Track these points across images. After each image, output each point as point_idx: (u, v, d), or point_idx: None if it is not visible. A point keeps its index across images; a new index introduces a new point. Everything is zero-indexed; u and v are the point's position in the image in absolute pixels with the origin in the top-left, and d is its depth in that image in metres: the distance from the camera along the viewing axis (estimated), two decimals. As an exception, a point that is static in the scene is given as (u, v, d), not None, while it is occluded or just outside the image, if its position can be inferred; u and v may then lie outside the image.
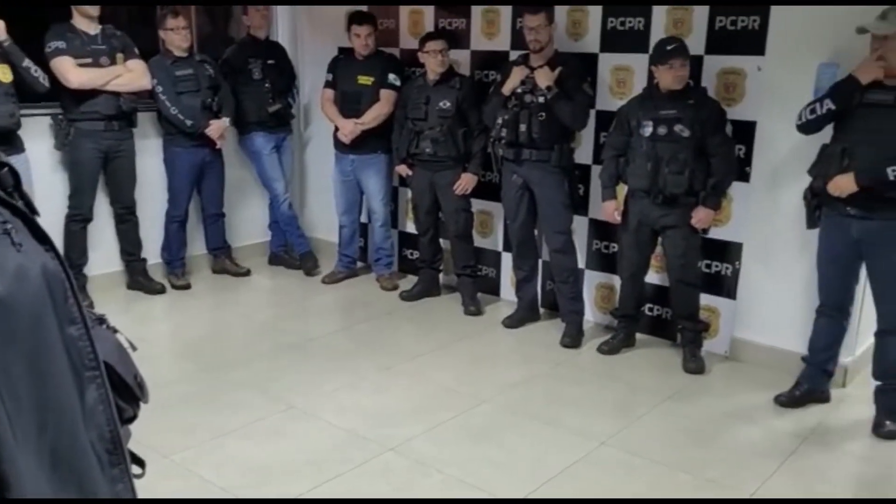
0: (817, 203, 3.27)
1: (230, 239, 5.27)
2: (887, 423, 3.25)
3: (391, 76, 4.73)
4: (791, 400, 3.48)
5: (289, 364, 3.88)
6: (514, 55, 4.35)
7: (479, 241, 4.81)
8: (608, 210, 3.90)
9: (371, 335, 4.31)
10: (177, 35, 4.62)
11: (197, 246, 5.18)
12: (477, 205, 4.70)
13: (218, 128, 4.79)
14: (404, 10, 4.98)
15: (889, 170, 2.97)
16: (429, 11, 4.85)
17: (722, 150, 3.60)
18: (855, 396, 3.56)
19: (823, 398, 3.50)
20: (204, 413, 3.30)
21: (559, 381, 3.76)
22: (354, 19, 4.74)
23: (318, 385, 3.63)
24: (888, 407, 3.27)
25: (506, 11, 4.50)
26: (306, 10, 5.51)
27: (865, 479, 3.06)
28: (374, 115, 4.74)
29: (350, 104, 4.79)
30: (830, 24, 3.43)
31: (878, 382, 3.31)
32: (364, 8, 4.91)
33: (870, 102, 3.09)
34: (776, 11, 3.58)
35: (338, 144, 4.91)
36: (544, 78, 3.91)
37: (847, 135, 3.14)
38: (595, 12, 4.15)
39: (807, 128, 3.28)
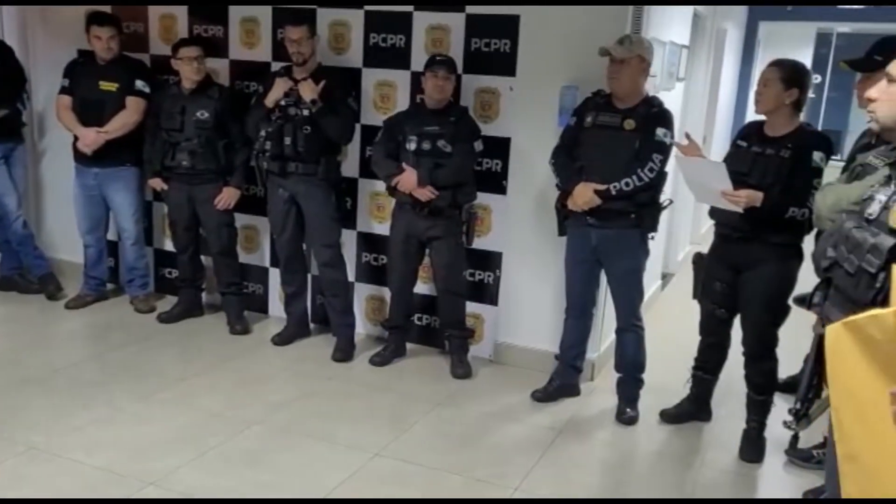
0: (565, 213, 3.56)
1: (-51, 263, 4.60)
2: (628, 410, 3.61)
3: (139, 83, 4.42)
4: (546, 395, 3.75)
5: (28, 400, 3.45)
6: (276, 66, 4.26)
7: (244, 258, 4.64)
8: (407, 181, 3.76)
9: (127, 362, 3.97)
10: None
11: None
12: (241, 219, 4.53)
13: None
14: (154, 14, 4.68)
15: (612, 186, 3.31)
16: (182, 17, 4.60)
17: (458, 159, 3.75)
18: (601, 388, 3.92)
19: (574, 392, 3.82)
20: (-81, 465, 2.83)
21: (332, 396, 3.73)
22: (94, 20, 4.37)
23: (64, 421, 3.27)
24: (628, 396, 3.64)
25: (266, 21, 4.40)
26: (38, 9, 4.98)
27: (612, 462, 3.37)
28: (119, 124, 4.39)
29: (91, 112, 4.40)
30: (571, 50, 3.77)
31: (619, 374, 3.67)
32: (106, 8, 4.55)
33: (601, 124, 3.42)
34: (524, 36, 3.87)
35: (78, 156, 4.48)
36: (308, 91, 3.87)
37: (584, 153, 3.45)
38: (357, 27, 4.20)
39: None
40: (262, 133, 3.98)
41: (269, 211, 4.23)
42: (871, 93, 1.89)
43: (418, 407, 3.63)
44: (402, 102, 4.13)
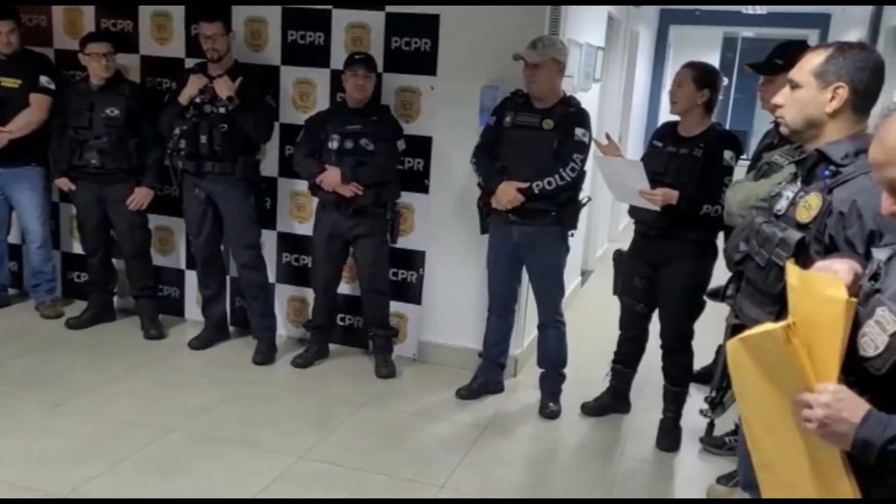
0: (487, 211, 3.59)
1: None
2: (550, 404, 3.67)
3: (43, 79, 4.21)
4: (470, 393, 3.78)
5: (-77, 415, 3.25)
6: (189, 63, 4.14)
7: (158, 260, 4.49)
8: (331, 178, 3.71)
9: (32, 371, 3.78)
10: None
11: None
12: (154, 220, 4.38)
13: None
14: (57, 7, 4.47)
15: (534, 185, 3.36)
16: (88, 10, 4.41)
17: (381, 157, 3.74)
18: (524, 384, 3.97)
19: (498, 388, 3.85)
20: None
21: (253, 400, 3.65)
22: (-9, 13, 4.14)
23: (-36, 435, 3.09)
24: (550, 390, 3.70)
25: (178, 16, 4.26)
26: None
27: (536, 456, 3.42)
28: (23, 123, 4.18)
29: (-9, 110, 4.18)
30: (491, 50, 3.80)
31: (542, 370, 3.73)
32: (2, -1, 4.32)
33: (521, 124, 3.47)
34: (445, 35, 3.88)
35: (-21, 157, 4.24)
36: (224, 88, 3.78)
37: (505, 152, 3.49)
38: (275, 24, 4.12)
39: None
40: (177, 131, 3.86)
41: (184, 211, 4.11)
42: (777, 100, 1.98)
43: (342, 408, 3.60)
44: (321, 101, 4.08)
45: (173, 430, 3.26)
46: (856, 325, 1.36)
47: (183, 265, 4.54)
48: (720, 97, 3.50)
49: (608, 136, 3.45)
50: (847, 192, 1.79)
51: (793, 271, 1.47)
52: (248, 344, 4.17)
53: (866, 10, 6.29)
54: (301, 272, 4.30)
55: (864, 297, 1.39)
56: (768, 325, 1.40)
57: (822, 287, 1.37)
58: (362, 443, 3.29)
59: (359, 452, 3.20)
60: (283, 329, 4.38)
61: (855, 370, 1.36)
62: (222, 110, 3.81)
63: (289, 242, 4.33)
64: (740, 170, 3.13)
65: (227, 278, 4.32)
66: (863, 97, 1.86)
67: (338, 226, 3.83)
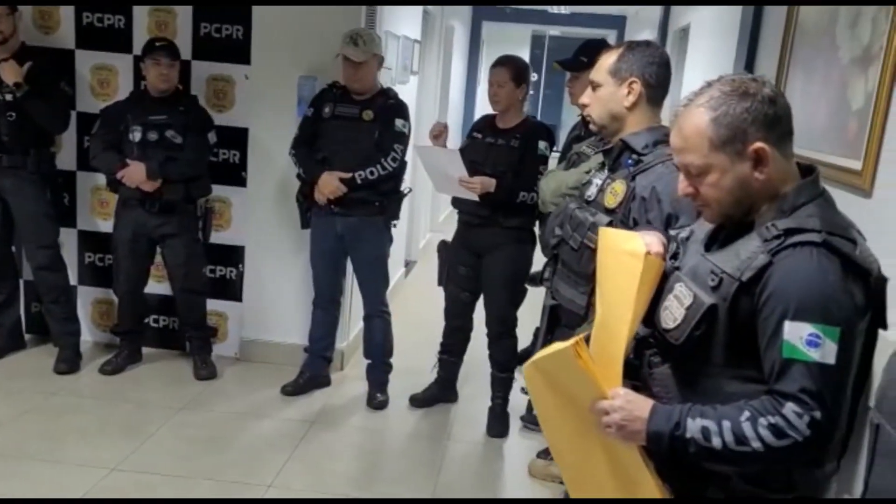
0: (308, 205, 3.52)
1: None
2: (378, 395, 3.69)
3: None
4: (296, 388, 3.71)
5: None
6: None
7: (-65, 264, 4.00)
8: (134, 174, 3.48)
9: None
10: None
11: None
12: (-71, 220, 3.89)
13: None
14: None
15: (357, 175, 3.35)
16: None
17: (191, 151, 3.56)
18: (352, 376, 3.96)
19: (325, 382, 3.81)
20: None
21: (57, 412, 3.35)
22: None
23: None
24: (378, 381, 3.72)
25: (-48, -9, 3.81)
26: None
27: (365, 447, 3.43)
28: None
29: None
30: (308, 40, 3.73)
31: (369, 361, 3.73)
32: None
33: (340, 115, 3.44)
34: (258, 23, 3.75)
35: None
36: (11, 73, 3.43)
37: (325, 144, 3.45)
38: (67, 5, 3.79)
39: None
40: (-44, 120, 3.46)
41: (-33, 209, 3.68)
42: (583, 100, 2.15)
43: (159, 414, 3.40)
44: (124, 88, 3.81)
45: (-39, 452, 2.93)
46: (659, 300, 1.48)
47: (-33, 269, 4.08)
48: (531, 92, 3.68)
49: (442, 125, 3.46)
50: (648, 180, 1.95)
51: (602, 232, 1.59)
52: (49, 352, 3.82)
53: (656, 13, 6.86)
54: (106, 273, 3.99)
55: (665, 274, 1.52)
56: (557, 346, 1.48)
57: (623, 243, 1.49)
58: (182, 448, 3.13)
59: (179, 459, 3.04)
60: (89, 334, 4.06)
61: (657, 342, 1.48)
62: (9, 97, 3.46)
63: (91, 241, 4.02)
64: (552, 161, 3.31)
65: (21, 282, 3.94)
66: (655, 89, 2.04)
67: (143, 224, 3.60)
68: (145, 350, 3.96)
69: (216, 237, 3.88)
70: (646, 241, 1.49)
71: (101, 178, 3.81)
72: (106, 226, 3.93)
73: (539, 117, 4.33)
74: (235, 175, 3.90)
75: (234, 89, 3.84)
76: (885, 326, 1.38)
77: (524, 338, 3.59)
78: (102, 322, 4.10)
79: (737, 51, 3.40)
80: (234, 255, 3.99)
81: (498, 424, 3.53)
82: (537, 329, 2.64)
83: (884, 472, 0.97)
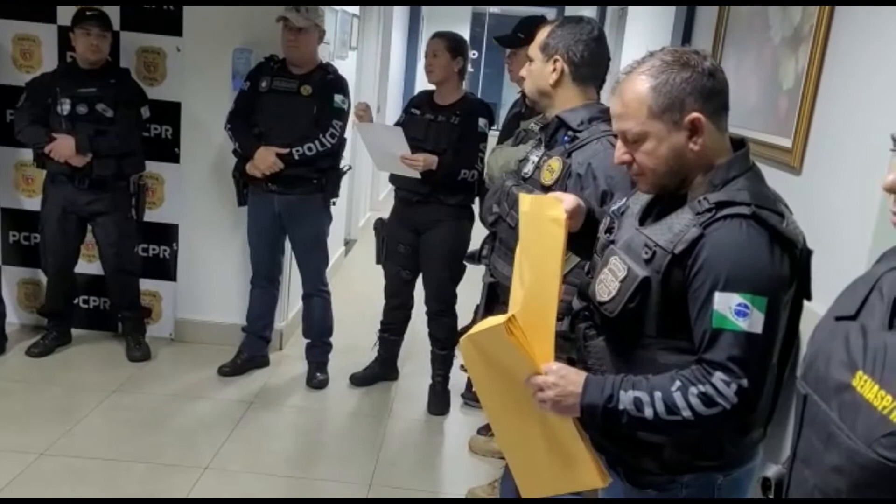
0: (244, 181, 3.45)
1: None
2: (318, 374, 3.66)
3: None
4: (234, 369, 3.65)
5: None
6: None
7: None
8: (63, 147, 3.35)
9: None
10: None
11: None
12: None
13: None
14: None
15: (294, 150, 3.30)
16: None
17: (122, 126, 3.45)
18: (291, 356, 3.91)
19: (264, 363, 3.76)
20: None
21: (-20, 397, 3.23)
22: None
23: None
24: (317, 360, 3.68)
25: None
26: None
27: (305, 426, 3.39)
28: None
29: None
30: (242, 12, 3.63)
31: (308, 340, 3.70)
32: None
33: (278, 89, 3.36)
34: (189, -7, 3.63)
35: None
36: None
37: (262, 118, 3.37)
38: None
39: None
40: None
41: None
42: (522, 73, 2.15)
43: (90, 397, 3.30)
44: (49, 60, 3.66)
45: None
46: (593, 273, 1.49)
47: None
48: (469, 70, 3.66)
49: (365, 105, 3.44)
50: (583, 156, 1.95)
51: (523, 199, 1.58)
52: (-29, 335, 3.67)
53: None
54: (32, 252, 3.83)
55: (600, 248, 1.53)
56: (490, 321, 1.48)
57: (547, 208, 1.49)
58: (115, 432, 3.05)
59: (112, 442, 2.96)
60: (15, 316, 3.91)
61: (592, 315, 1.50)
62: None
63: (16, 219, 3.86)
64: (492, 138, 3.30)
65: (-60, 262, 3.77)
66: (580, 67, 2.01)
67: (72, 201, 3.47)
68: (75, 332, 3.84)
69: (149, 215, 3.77)
70: (561, 198, 1.51)
71: (25, 154, 3.66)
72: (31, 203, 3.78)
73: (480, 95, 4.31)
74: (168, 151, 3.78)
75: (166, 62, 3.72)
76: (809, 297, 1.42)
77: (464, 315, 3.59)
78: (29, 303, 3.95)
79: (673, 28, 3.44)
80: (167, 233, 3.88)
81: (438, 402, 3.54)
82: (477, 306, 2.64)
83: (810, 439, 1.01)
